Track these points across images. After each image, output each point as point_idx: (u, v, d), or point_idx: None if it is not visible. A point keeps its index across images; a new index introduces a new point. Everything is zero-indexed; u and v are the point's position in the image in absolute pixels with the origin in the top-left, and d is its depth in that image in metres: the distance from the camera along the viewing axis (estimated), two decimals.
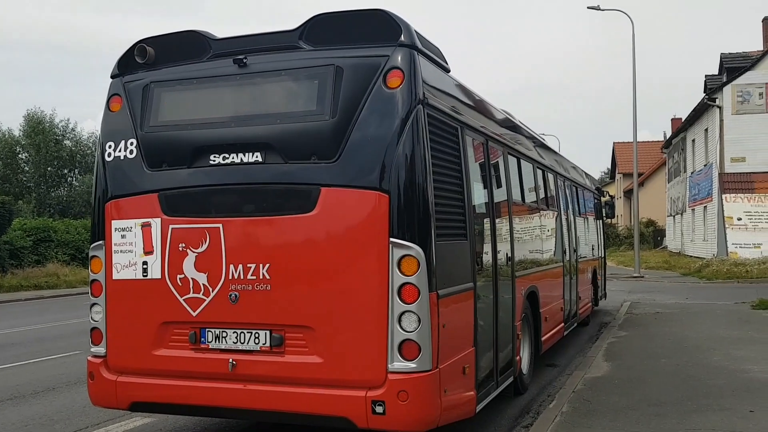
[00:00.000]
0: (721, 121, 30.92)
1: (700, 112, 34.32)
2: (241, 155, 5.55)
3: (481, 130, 6.83)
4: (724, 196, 29.88)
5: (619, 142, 63.03)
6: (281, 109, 5.58)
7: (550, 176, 10.64)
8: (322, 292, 5.36)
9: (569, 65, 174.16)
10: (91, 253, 6.15)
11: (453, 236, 5.79)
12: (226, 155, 5.59)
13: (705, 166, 33.95)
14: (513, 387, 7.85)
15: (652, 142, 61.47)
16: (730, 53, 34.10)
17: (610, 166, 69.77)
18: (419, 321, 5.12)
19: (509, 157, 7.89)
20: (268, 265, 5.46)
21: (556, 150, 13.16)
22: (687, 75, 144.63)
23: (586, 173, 15.38)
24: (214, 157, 5.62)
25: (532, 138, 9.85)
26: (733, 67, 32.52)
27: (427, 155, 5.30)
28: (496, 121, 7.73)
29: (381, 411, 5.10)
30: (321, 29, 5.56)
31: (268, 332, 5.48)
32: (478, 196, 6.55)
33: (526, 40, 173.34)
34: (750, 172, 30.08)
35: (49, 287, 26.47)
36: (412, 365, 5.11)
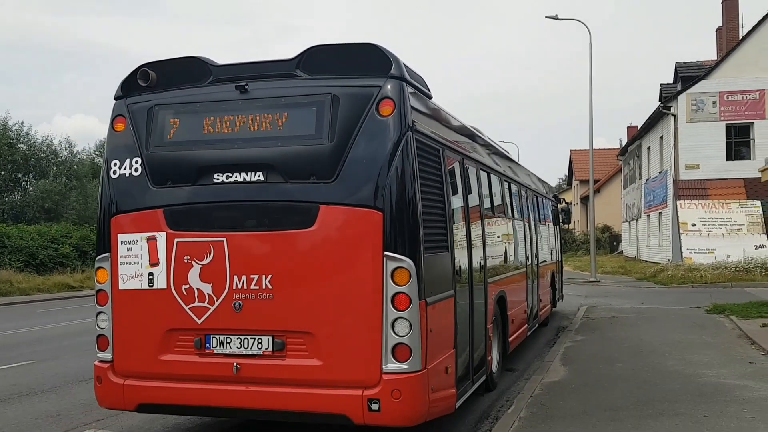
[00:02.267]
0: (676, 129, 31.40)
1: (655, 120, 34.84)
2: (243, 174, 5.99)
3: (458, 149, 7.40)
4: (678, 202, 30.26)
5: (576, 150, 63.90)
6: (282, 133, 6.00)
7: (515, 188, 11.31)
8: (321, 301, 5.83)
9: (528, 74, 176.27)
10: (97, 265, 6.50)
11: (437, 249, 6.34)
12: (230, 174, 6.02)
13: (660, 173, 34.44)
14: (485, 384, 8.48)
15: (609, 149, 62.42)
16: (684, 62, 34.64)
17: (567, 173, 70.58)
18: (410, 326, 5.65)
19: (481, 172, 8.48)
20: (270, 276, 5.92)
21: (515, 158, 13.75)
22: (643, 84, 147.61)
23: (543, 182, 16.14)
24: (218, 175, 6.05)
25: (498, 153, 10.50)
26: (687, 76, 33.02)
27: (416, 176, 5.86)
28: (469, 140, 8.29)
29: (376, 408, 5.63)
30: (316, 60, 6.06)
31: (270, 338, 5.95)
32: (456, 210, 7.10)
33: (485, 49, 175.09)
34: (704, 179, 30.58)
35: (1, 294, 25.85)
36: (404, 366, 5.64)
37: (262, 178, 5.96)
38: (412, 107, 5.96)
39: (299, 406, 5.86)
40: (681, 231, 29.56)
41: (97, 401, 6.57)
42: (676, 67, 34.74)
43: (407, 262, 5.66)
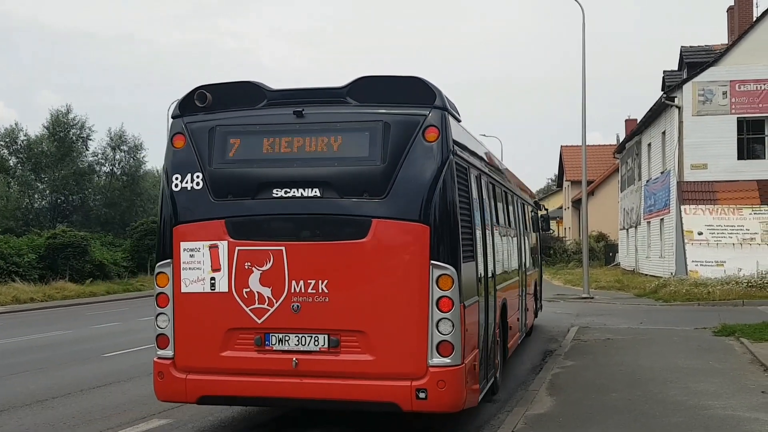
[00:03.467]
0: (681, 123, 31.51)
1: (657, 112, 34.95)
2: (301, 190, 7.70)
3: (477, 167, 9.21)
4: (683, 207, 30.35)
5: (567, 146, 64.30)
6: (338, 154, 7.74)
7: (510, 197, 13.21)
8: (372, 303, 7.58)
9: (513, 59, 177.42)
10: (157, 270, 8.16)
11: (469, 258, 8.22)
12: (288, 190, 7.73)
13: (662, 173, 34.55)
14: (491, 387, 9.95)
15: (604, 145, 62.97)
16: (691, 47, 34.96)
17: (557, 173, 71.17)
18: (453, 326, 7.44)
19: (491, 186, 10.49)
20: (326, 281, 7.64)
21: (498, 156, 14.96)
22: (644, 71, 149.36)
23: (526, 187, 17.59)
24: (277, 190, 7.76)
25: (500, 167, 12.47)
26: (694, 62, 33.26)
27: (455, 194, 7.69)
28: (483, 157, 10.22)
29: (423, 396, 7.37)
30: (365, 89, 7.82)
31: (326, 336, 7.68)
32: (478, 222, 8.91)
33: (465, 30, 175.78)
34: (712, 181, 30.65)
35: None
36: (447, 360, 7.43)
37: (318, 194, 7.68)
38: (452, 135, 7.79)
39: (351, 396, 7.61)
40: (685, 240, 29.71)
41: (156, 394, 8.27)
42: (681, 52, 35.05)
43: (450, 269, 7.46)
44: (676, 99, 31.77)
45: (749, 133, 31.55)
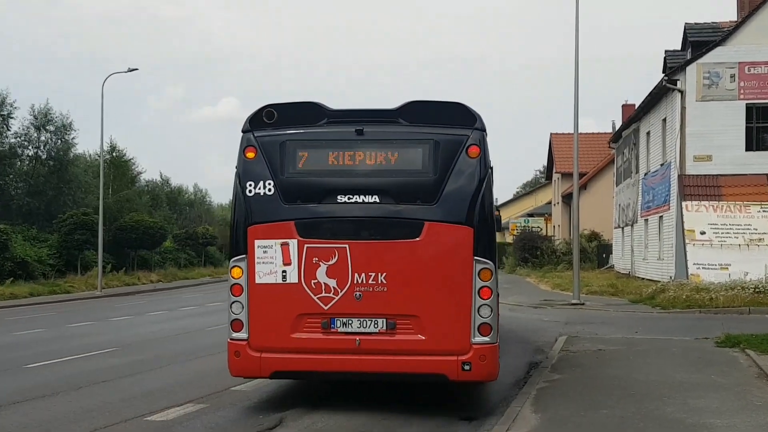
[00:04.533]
0: (683, 109, 31.39)
1: (657, 97, 34.82)
2: (362, 197, 10.35)
3: (490, 167, 11.06)
4: (684, 203, 30.27)
5: (557, 134, 64.18)
6: (394, 166, 10.49)
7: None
8: (424, 292, 10.28)
9: (493, 34, 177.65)
10: (232, 264, 10.78)
11: (496, 254, 10.77)
12: (351, 196, 10.37)
13: (662, 165, 34.50)
14: None
15: (598, 134, 62.92)
16: (696, 24, 34.84)
17: (546, 164, 71.51)
18: (491, 311, 10.24)
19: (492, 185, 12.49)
20: (384, 273, 10.33)
21: None
22: (644, 51, 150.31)
23: None
24: (341, 197, 10.40)
25: None
26: (699, 41, 33.25)
27: (492, 201, 10.67)
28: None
29: (468, 369, 10.11)
30: (415, 111, 10.56)
31: (384, 319, 10.36)
32: (497, 221, 11.50)
33: (449, 3, 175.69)
34: (717, 175, 30.65)
35: None
36: (487, 339, 10.19)
37: (377, 200, 10.34)
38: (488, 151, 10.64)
39: (406, 369, 10.29)
40: (687, 240, 29.60)
41: (230, 371, 10.87)
42: (685, 30, 34.93)
43: (490, 264, 10.26)
44: (678, 82, 31.66)
45: (759, 121, 31.48)
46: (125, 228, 54.91)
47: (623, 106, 55.21)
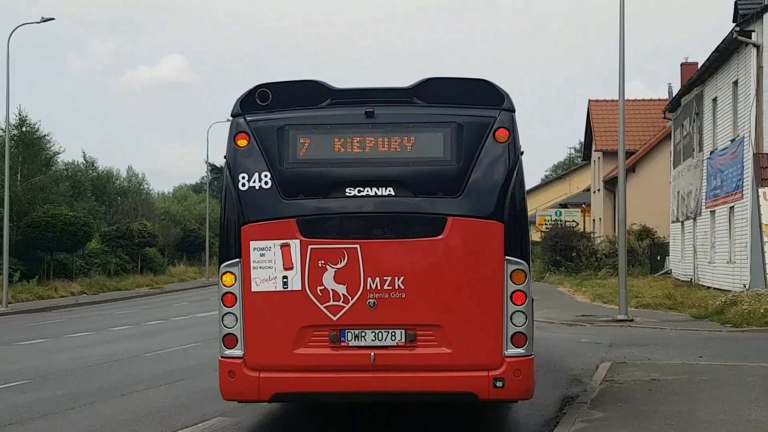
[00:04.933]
0: (760, 68, 31.17)
1: (726, 54, 34.75)
2: (375, 189, 10.84)
3: (521, 152, 11.38)
4: (761, 190, 30.44)
5: (597, 101, 63.66)
6: (411, 153, 10.89)
7: None
8: (449, 298, 10.79)
9: None
10: (223, 270, 11.03)
11: (530, 253, 11.23)
12: (361, 189, 10.82)
13: (732, 142, 34.63)
14: None
15: (651, 101, 62.29)
16: None
17: (583, 140, 71.47)
18: (526, 318, 10.83)
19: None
20: (402, 277, 10.75)
21: None
22: None
23: None
24: (350, 189, 10.83)
25: None
26: None
27: (524, 192, 10.94)
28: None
29: (501, 385, 10.65)
30: (433, 89, 11.04)
31: (403, 331, 10.83)
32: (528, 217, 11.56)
33: None
34: None
35: None
36: (521, 351, 10.77)
37: (392, 193, 10.78)
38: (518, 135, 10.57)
39: (429, 388, 10.80)
40: (765, 238, 29.97)
41: (223, 394, 11.23)
42: None
43: (523, 264, 10.78)
44: (754, 34, 31.30)
45: None
46: (38, 225, 53.85)
47: (682, 65, 54.85)
